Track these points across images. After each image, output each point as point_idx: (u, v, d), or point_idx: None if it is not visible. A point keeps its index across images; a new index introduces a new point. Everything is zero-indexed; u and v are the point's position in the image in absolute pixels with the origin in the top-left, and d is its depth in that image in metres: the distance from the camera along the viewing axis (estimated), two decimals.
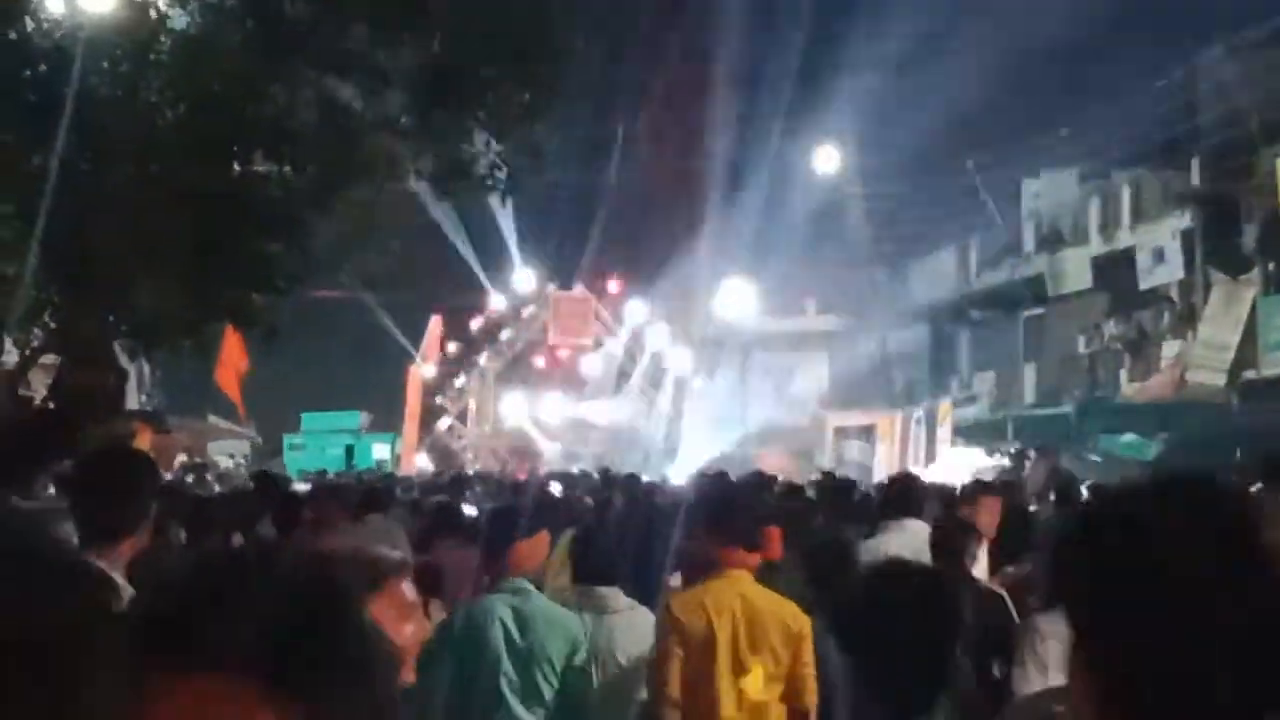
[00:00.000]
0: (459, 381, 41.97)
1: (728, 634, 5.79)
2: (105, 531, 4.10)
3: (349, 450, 42.25)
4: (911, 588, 3.46)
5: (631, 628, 6.41)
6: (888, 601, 3.41)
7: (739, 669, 5.79)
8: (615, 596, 6.57)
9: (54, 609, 1.05)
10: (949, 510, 9.25)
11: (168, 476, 21.69)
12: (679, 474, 29.16)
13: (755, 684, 5.84)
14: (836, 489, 13.32)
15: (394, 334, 41.89)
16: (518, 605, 5.94)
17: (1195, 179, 30.69)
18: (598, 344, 41.74)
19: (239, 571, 1.26)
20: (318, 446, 43.04)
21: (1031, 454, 23.33)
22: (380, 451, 42.64)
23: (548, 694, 5.84)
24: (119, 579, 3.90)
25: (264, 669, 1.16)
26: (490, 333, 42.49)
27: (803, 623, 5.79)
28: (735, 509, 6.56)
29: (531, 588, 6.10)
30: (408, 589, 3.38)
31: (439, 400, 41.59)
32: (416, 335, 42.78)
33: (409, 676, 3.39)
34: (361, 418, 45.76)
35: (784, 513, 8.97)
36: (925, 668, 3.31)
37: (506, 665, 5.79)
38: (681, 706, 5.76)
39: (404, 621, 3.26)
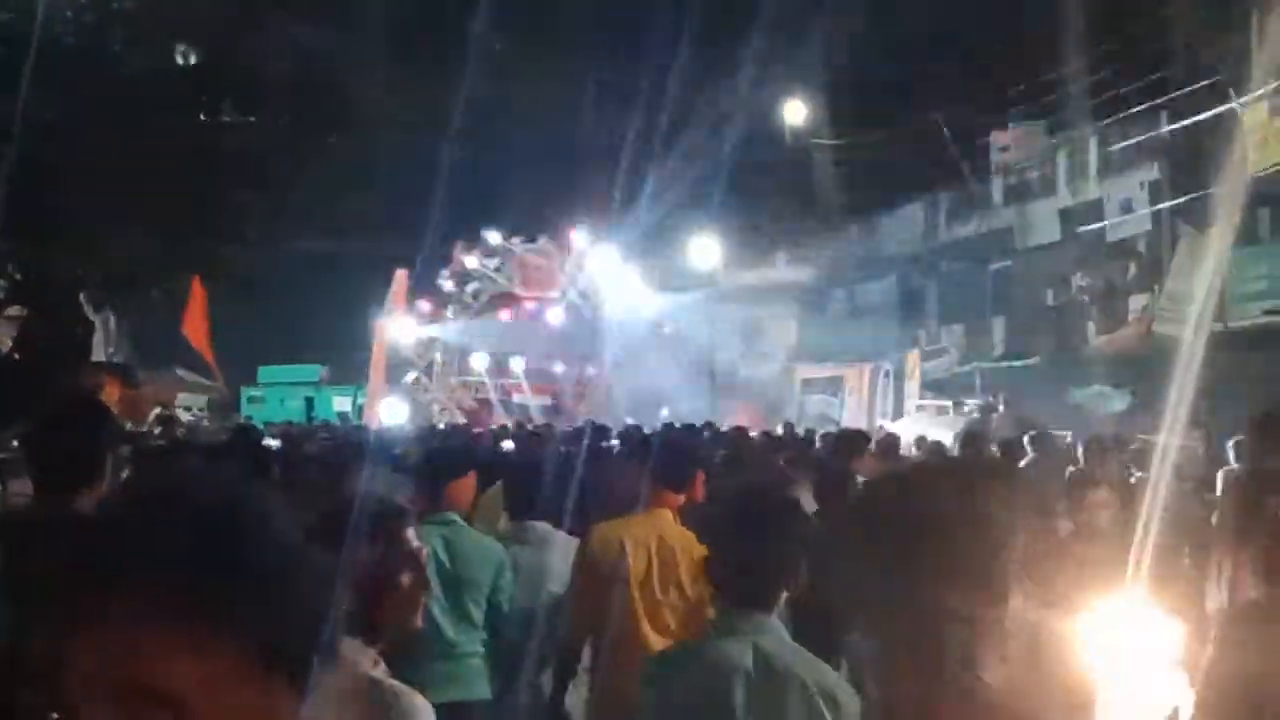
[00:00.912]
0: (425, 335, 41.78)
1: (642, 565, 6.21)
2: (62, 483, 4.07)
3: (309, 402, 41.89)
4: (768, 501, 4.03)
5: (565, 557, 6.83)
6: (746, 508, 3.98)
7: (652, 599, 6.19)
8: (547, 530, 7.14)
9: None
10: (834, 458, 9.57)
11: (131, 428, 21.55)
12: (644, 423, 29.12)
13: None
14: (797, 440, 13.94)
15: (354, 287, 41.71)
16: (448, 535, 6.47)
17: (1163, 131, 30.78)
18: (563, 296, 41.69)
19: (156, 497, 1.27)
20: (276, 399, 42.62)
21: (1000, 407, 23.43)
22: (341, 404, 42.35)
23: (476, 615, 6.40)
24: None
25: (174, 581, 1.17)
26: (457, 286, 42.30)
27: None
28: (666, 452, 7.03)
29: (459, 520, 6.65)
30: (412, 536, 3.49)
31: (405, 354, 41.39)
32: (379, 288, 42.54)
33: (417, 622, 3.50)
34: (321, 371, 45.48)
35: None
36: (765, 568, 3.81)
37: (437, 590, 6.19)
38: (595, 631, 6.25)
39: (403, 569, 3.36)
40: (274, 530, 1.27)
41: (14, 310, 19.91)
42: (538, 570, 6.82)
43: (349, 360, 43.82)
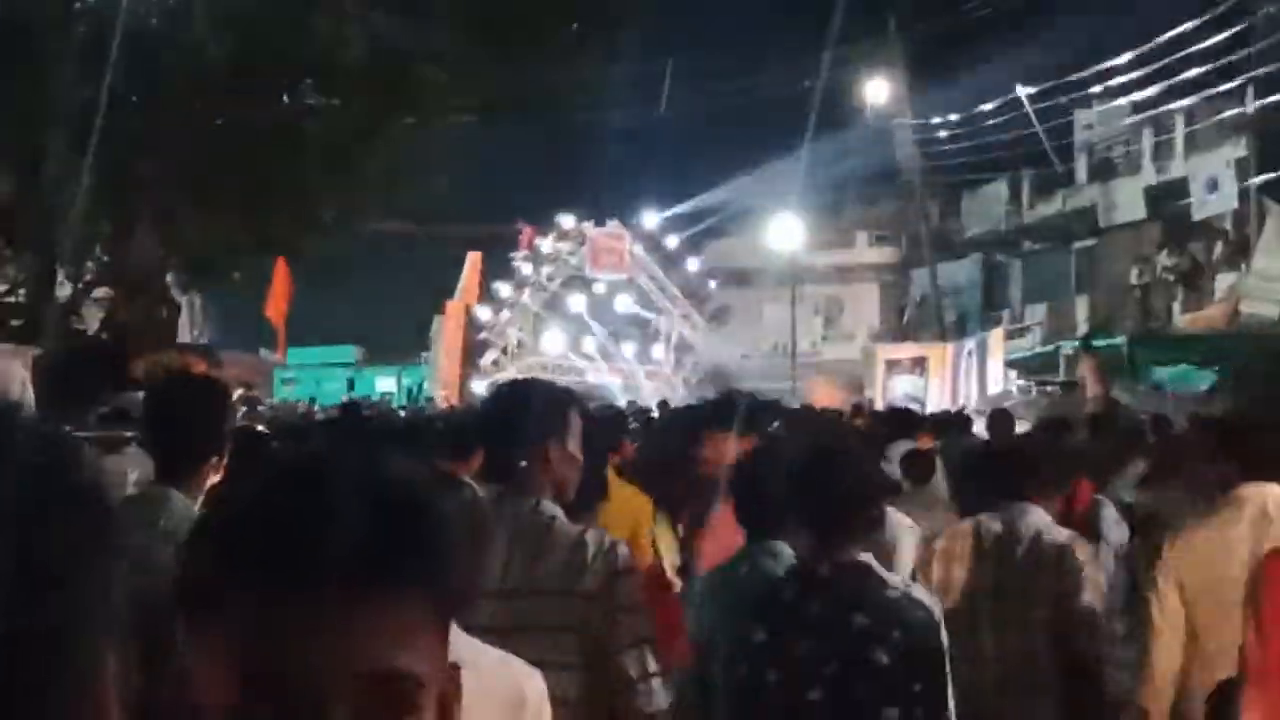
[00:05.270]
0: (502, 316, 42.11)
1: None
2: (181, 461, 4.02)
3: (350, 383, 41.61)
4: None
5: None
6: None
7: None
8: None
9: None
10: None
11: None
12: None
13: None
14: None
15: (410, 268, 41.76)
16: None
17: (1250, 108, 30.32)
18: (632, 278, 41.94)
19: (322, 474, 1.20)
20: (312, 380, 42.27)
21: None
22: (385, 384, 42.06)
23: None
24: (197, 510, 3.92)
25: (395, 559, 1.15)
26: (532, 269, 42.58)
27: (640, 502, 6.79)
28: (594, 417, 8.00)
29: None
30: None
31: (481, 336, 41.69)
32: (436, 270, 42.61)
33: None
34: (356, 351, 45.03)
35: None
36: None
37: None
38: None
39: None
40: (439, 493, 1.28)
41: (101, 291, 20.19)
42: None
43: (389, 340, 43.74)
